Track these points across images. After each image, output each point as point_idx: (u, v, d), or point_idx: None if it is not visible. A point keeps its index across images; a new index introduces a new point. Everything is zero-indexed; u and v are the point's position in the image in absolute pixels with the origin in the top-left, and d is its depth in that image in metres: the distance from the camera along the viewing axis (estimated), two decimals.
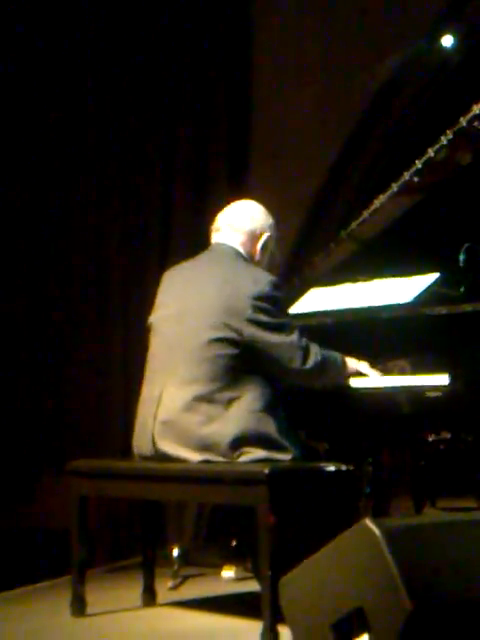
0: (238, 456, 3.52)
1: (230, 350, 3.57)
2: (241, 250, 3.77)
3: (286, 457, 3.53)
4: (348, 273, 4.21)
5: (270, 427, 3.55)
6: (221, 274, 3.68)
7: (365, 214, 4.22)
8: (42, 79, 5.39)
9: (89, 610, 3.86)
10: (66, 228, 5.45)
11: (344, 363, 3.74)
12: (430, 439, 4.18)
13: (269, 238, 3.81)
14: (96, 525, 4.71)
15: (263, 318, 3.58)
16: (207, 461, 3.54)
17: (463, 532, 2.79)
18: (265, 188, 5.33)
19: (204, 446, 3.54)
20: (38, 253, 5.43)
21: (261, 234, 3.80)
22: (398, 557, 2.62)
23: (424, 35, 5.41)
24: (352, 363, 3.75)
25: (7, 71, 5.32)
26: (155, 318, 3.82)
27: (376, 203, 4.17)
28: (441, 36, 5.42)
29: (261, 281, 3.63)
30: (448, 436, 3.97)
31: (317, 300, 4.19)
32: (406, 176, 4.07)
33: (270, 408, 3.58)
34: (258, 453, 3.52)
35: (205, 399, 3.56)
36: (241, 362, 3.58)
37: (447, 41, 5.40)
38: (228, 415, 3.53)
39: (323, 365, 3.65)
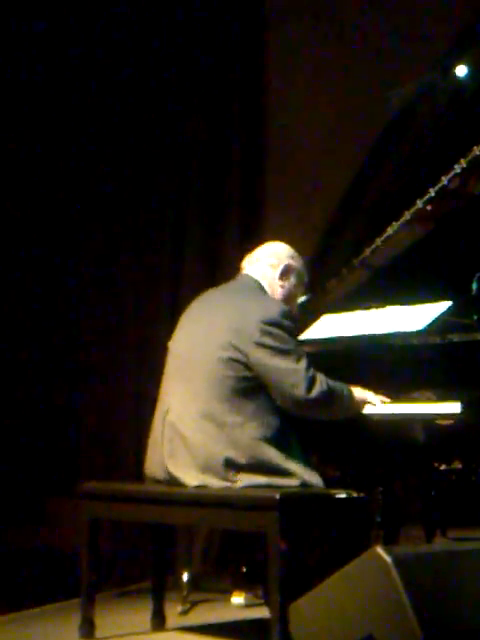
0: (235, 480, 3.52)
1: (238, 373, 3.59)
2: (263, 282, 3.83)
3: (292, 482, 3.53)
4: (360, 300, 4.22)
5: (273, 454, 3.54)
6: (235, 300, 3.74)
7: (378, 241, 4.24)
8: (55, 115, 5.41)
9: (98, 633, 3.86)
10: (80, 261, 5.48)
11: (351, 395, 3.69)
12: (442, 468, 4.18)
13: (289, 267, 3.86)
14: (106, 549, 4.71)
15: (270, 342, 3.59)
16: (202, 485, 3.55)
17: (474, 561, 2.79)
18: (279, 214, 5.37)
19: (204, 466, 3.56)
20: (51, 283, 5.47)
21: (279, 263, 3.85)
22: (409, 585, 2.63)
23: (438, 64, 5.43)
24: (358, 393, 3.73)
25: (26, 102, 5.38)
26: (172, 341, 3.89)
27: (389, 231, 4.20)
28: (455, 65, 5.44)
29: (271, 308, 3.68)
30: (459, 466, 3.97)
31: (329, 326, 4.20)
32: (419, 204, 4.09)
33: (276, 435, 3.58)
34: (258, 479, 3.52)
35: (209, 418, 3.58)
36: (249, 386, 3.59)
37: (461, 71, 5.42)
38: (230, 438, 3.55)
39: (329, 397, 3.61)
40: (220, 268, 5.29)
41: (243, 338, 3.60)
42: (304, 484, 3.54)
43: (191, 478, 3.60)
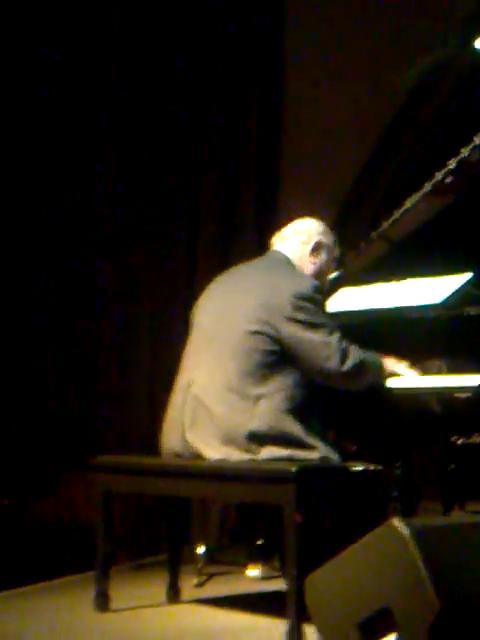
0: (258, 452, 3.51)
1: (266, 346, 3.58)
2: (293, 258, 3.83)
3: (312, 456, 3.52)
4: (379, 273, 4.19)
5: (296, 428, 3.54)
6: (266, 276, 3.74)
7: (397, 214, 4.20)
8: (70, 108, 5.40)
9: (113, 606, 3.86)
10: (96, 250, 5.48)
11: (382, 365, 3.70)
12: (460, 441, 4.15)
13: (319, 243, 3.86)
14: (121, 521, 4.71)
15: (302, 316, 3.59)
16: (223, 459, 3.54)
17: None
18: (296, 186, 5.34)
19: (226, 438, 3.55)
20: (68, 269, 5.47)
21: (310, 239, 3.86)
22: (426, 556, 2.61)
23: (457, 37, 5.38)
24: (390, 364, 3.72)
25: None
26: (196, 314, 3.88)
27: (408, 203, 4.16)
28: (474, 38, 5.38)
29: (303, 282, 3.69)
30: (478, 439, 3.94)
31: (348, 300, 4.17)
32: (439, 176, 4.05)
33: (299, 409, 3.57)
34: (281, 452, 3.51)
35: (233, 391, 3.57)
36: (275, 360, 3.58)
37: None
38: (254, 410, 3.54)
39: (361, 369, 3.61)
40: (236, 244, 5.28)
41: (275, 313, 3.59)
42: (324, 458, 3.53)
43: (212, 450, 3.59)
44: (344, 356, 3.58)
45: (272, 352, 3.58)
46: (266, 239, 4.02)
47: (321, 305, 3.67)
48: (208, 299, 3.87)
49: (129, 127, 5.43)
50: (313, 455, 3.52)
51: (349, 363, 3.58)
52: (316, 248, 3.86)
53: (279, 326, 3.58)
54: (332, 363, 3.57)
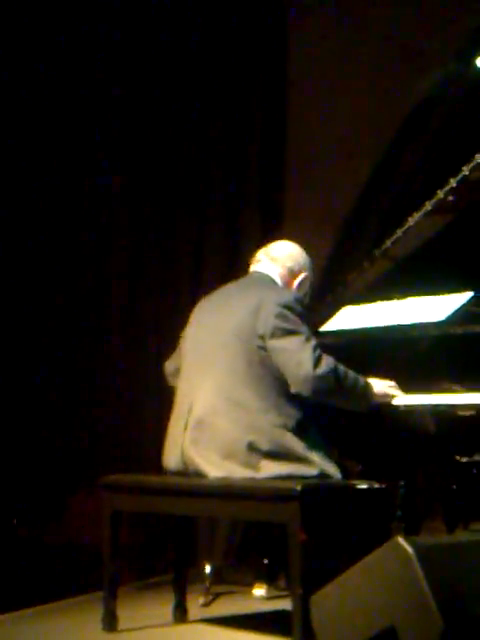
0: (257, 468, 3.52)
1: (260, 359, 3.62)
2: (277, 280, 3.86)
3: (312, 472, 3.53)
4: (381, 291, 4.21)
5: (295, 442, 3.56)
6: (252, 292, 3.78)
7: (399, 232, 4.22)
8: (79, 124, 5.46)
9: (120, 626, 3.86)
10: (100, 259, 5.51)
11: (368, 385, 3.68)
12: (463, 460, 4.15)
13: (306, 278, 3.92)
14: (128, 541, 4.71)
15: (281, 324, 3.62)
16: (226, 477, 3.56)
17: None
18: (299, 204, 5.36)
19: (227, 453, 3.57)
20: (72, 280, 5.49)
21: (299, 272, 3.91)
22: (430, 575, 2.62)
23: (459, 54, 5.40)
24: (378, 386, 3.72)
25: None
26: (188, 336, 3.91)
27: (410, 221, 4.18)
28: (477, 56, 5.41)
29: (285, 293, 3.76)
30: None
31: (350, 318, 4.19)
32: (440, 194, 4.08)
33: (297, 425, 3.59)
34: (281, 468, 3.52)
35: (233, 404, 3.60)
36: (270, 373, 3.61)
37: None
38: (253, 425, 3.56)
39: (336, 376, 3.58)
40: (239, 265, 5.30)
41: (262, 323, 3.63)
42: (323, 474, 3.54)
43: (213, 466, 3.61)
44: (317, 361, 3.56)
45: (266, 365, 3.61)
46: None
47: (301, 315, 3.67)
48: (197, 321, 3.91)
49: (133, 139, 5.48)
50: (312, 471, 3.53)
51: (322, 368, 3.55)
52: (303, 282, 3.91)
53: (266, 336, 3.62)
54: (305, 368, 3.55)
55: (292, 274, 3.89)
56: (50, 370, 5.43)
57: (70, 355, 5.48)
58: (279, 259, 3.90)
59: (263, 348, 3.63)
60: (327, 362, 3.58)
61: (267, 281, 3.86)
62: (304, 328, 3.65)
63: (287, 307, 3.65)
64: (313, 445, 3.59)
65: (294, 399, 3.61)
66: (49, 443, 5.31)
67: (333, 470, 3.58)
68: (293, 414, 3.60)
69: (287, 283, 3.89)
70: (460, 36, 5.38)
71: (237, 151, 5.51)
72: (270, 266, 3.90)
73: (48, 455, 5.28)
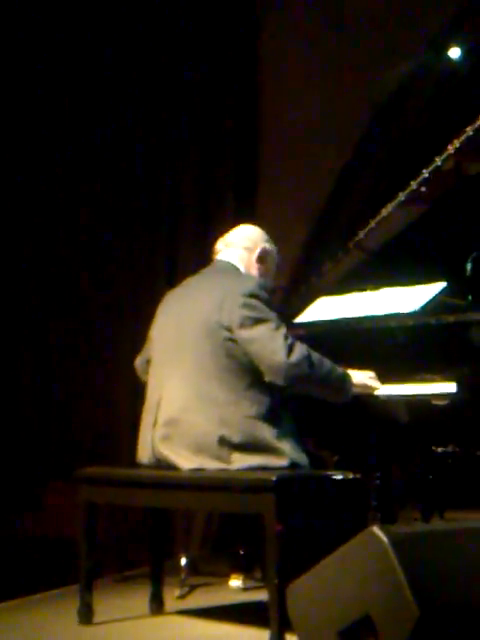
0: (229, 460, 3.53)
1: (226, 350, 3.60)
2: (239, 265, 3.86)
3: (282, 462, 3.53)
4: (356, 282, 4.22)
5: (266, 432, 3.55)
6: (216, 283, 3.77)
7: (372, 223, 4.24)
8: (55, 110, 5.45)
9: (96, 618, 3.86)
10: (75, 249, 5.50)
11: (345, 375, 3.68)
12: (438, 450, 4.18)
13: (264, 250, 3.89)
14: (104, 534, 4.71)
15: (249, 313, 3.61)
16: (199, 469, 3.56)
17: (470, 539, 2.79)
18: (273, 197, 5.36)
19: (198, 447, 3.57)
20: (48, 271, 5.48)
21: (255, 247, 3.88)
22: (405, 564, 2.63)
23: (431, 45, 5.42)
24: (358, 376, 3.73)
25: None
26: (155, 329, 3.91)
27: (383, 212, 4.19)
28: (448, 47, 5.43)
29: (247, 282, 3.73)
30: (456, 449, 3.97)
31: (325, 309, 4.20)
32: (413, 185, 4.09)
33: (268, 413, 3.58)
34: (252, 459, 3.53)
35: (203, 398, 3.59)
36: (238, 363, 3.60)
37: (454, 53, 5.42)
38: (223, 418, 3.56)
39: (310, 363, 3.57)
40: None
41: (226, 315, 3.62)
42: (293, 464, 3.54)
43: (185, 460, 3.61)
44: (290, 349, 3.55)
45: (234, 355, 3.60)
46: None
47: (267, 302, 3.66)
48: (163, 314, 3.90)
49: (104, 129, 5.49)
50: (282, 461, 3.53)
51: (296, 355, 3.54)
52: (262, 255, 3.89)
53: (230, 324, 3.61)
54: (278, 356, 3.53)
55: (250, 251, 3.87)
56: (25, 363, 5.41)
57: (45, 349, 5.47)
58: (234, 243, 3.90)
59: (230, 340, 3.61)
60: (300, 349, 3.57)
61: (229, 268, 3.84)
62: (272, 315, 3.63)
63: (252, 295, 3.63)
64: (284, 434, 3.58)
65: (265, 388, 3.60)
66: (24, 436, 5.29)
67: (302, 459, 3.58)
68: (265, 402, 3.59)
69: (248, 263, 3.86)
70: (431, 27, 5.39)
71: (210, 144, 5.50)
72: (228, 252, 3.89)
73: (23, 448, 5.26)
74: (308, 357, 3.57)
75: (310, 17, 5.51)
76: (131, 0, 5.51)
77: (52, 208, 5.47)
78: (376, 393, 3.74)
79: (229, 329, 3.62)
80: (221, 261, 3.90)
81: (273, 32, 5.56)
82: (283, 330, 3.60)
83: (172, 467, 3.65)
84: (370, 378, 3.75)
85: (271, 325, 3.59)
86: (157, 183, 5.48)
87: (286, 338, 3.57)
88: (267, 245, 3.91)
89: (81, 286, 5.48)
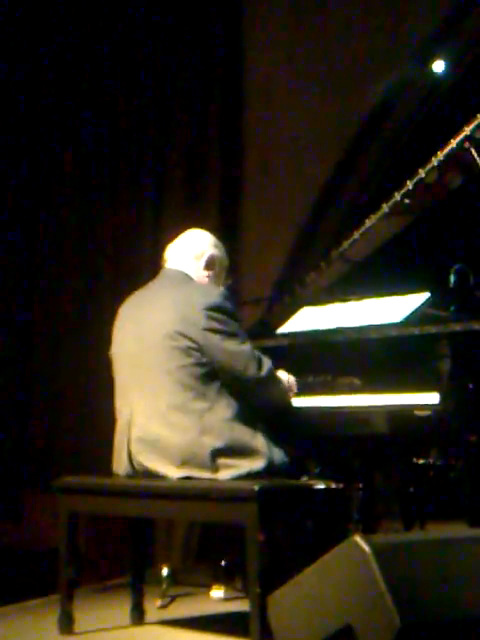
0: (216, 469, 3.52)
1: (192, 360, 3.60)
2: (188, 272, 3.83)
3: (260, 463, 3.54)
4: (339, 292, 4.23)
5: (244, 434, 3.58)
6: (173, 293, 3.74)
7: (356, 234, 4.24)
8: (41, 104, 5.46)
9: (77, 628, 3.84)
10: (57, 247, 5.49)
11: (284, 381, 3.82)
12: (420, 462, 4.18)
13: (211, 257, 3.87)
14: (85, 544, 4.69)
15: (217, 326, 3.62)
16: (188, 477, 3.55)
17: (452, 549, 2.79)
18: (257, 208, 5.37)
19: (183, 459, 3.55)
20: (28, 273, 5.46)
21: (203, 253, 3.86)
22: (387, 574, 2.63)
23: (415, 58, 5.44)
24: (283, 376, 3.82)
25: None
26: (114, 347, 3.87)
27: (367, 223, 4.20)
28: (433, 60, 5.45)
29: (211, 293, 3.71)
30: (438, 461, 3.98)
31: (308, 319, 4.20)
32: (397, 197, 4.10)
33: (242, 414, 3.62)
34: (239, 466, 3.53)
35: (178, 408, 3.58)
36: (206, 371, 3.61)
37: (438, 66, 5.44)
38: (203, 425, 3.55)
39: (274, 374, 3.72)
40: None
41: (190, 326, 3.61)
42: (270, 463, 3.56)
43: (169, 471, 3.59)
44: (260, 363, 3.66)
45: (201, 364, 3.60)
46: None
47: (232, 314, 3.68)
48: (121, 331, 3.86)
49: (89, 124, 5.51)
50: (259, 463, 3.54)
51: (265, 369, 3.67)
52: (210, 261, 3.86)
53: (196, 338, 3.60)
54: (251, 371, 3.63)
55: (197, 259, 3.84)
56: (3, 372, 5.38)
57: (24, 357, 5.45)
58: (182, 250, 3.86)
59: (196, 349, 3.59)
60: (266, 361, 3.68)
61: (180, 277, 3.80)
62: (237, 328, 3.68)
63: (217, 308, 3.63)
64: (258, 432, 3.61)
65: (233, 390, 3.63)
66: (3, 445, 5.27)
67: (278, 456, 3.60)
68: (237, 404, 3.62)
69: (197, 271, 3.83)
70: (414, 41, 5.41)
71: (194, 155, 5.50)
72: (177, 260, 3.85)
73: (2, 457, 5.24)
74: (273, 369, 3.70)
75: (294, 29, 5.52)
76: (114, 13, 5.50)
77: (31, 193, 5.46)
78: (358, 402, 3.74)
79: (195, 340, 3.60)
80: (171, 270, 3.85)
81: (258, 43, 5.57)
82: (249, 344, 3.68)
83: (154, 475, 3.62)
84: (288, 381, 3.83)
85: (239, 339, 3.65)
86: (140, 195, 5.47)
87: (253, 351, 3.66)
88: (214, 251, 3.88)
89: (62, 297, 5.47)
